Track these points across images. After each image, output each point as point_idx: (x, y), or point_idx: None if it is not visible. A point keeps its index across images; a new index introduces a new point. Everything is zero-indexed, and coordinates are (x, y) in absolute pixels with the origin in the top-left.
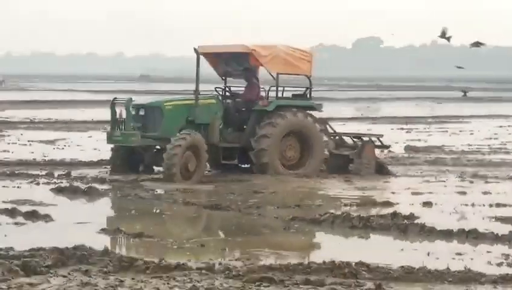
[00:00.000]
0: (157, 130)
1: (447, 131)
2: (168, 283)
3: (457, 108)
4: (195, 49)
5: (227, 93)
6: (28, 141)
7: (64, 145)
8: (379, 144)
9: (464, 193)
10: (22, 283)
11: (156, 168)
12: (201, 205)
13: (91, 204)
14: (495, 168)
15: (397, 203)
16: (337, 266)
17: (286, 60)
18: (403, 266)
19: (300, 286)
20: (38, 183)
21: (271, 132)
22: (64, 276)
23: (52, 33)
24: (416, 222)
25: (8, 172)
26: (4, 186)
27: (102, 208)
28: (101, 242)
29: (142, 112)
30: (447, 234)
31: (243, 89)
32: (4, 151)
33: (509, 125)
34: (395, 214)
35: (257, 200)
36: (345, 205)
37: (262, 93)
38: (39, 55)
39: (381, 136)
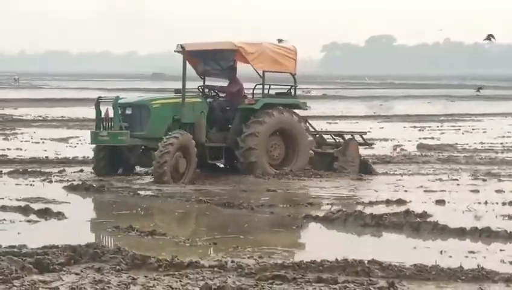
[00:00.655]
0: (144, 130)
1: (459, 129)
2: (180, 281)
3: (470, 106)
4: (181, 46)
5: (211, 92)
6: (41, 138)
7: (77, 143)
8: (364, 141)
9: (476, 191)
10: (35, 280)
11: (138, 169)
12: (213, 203)
13: (103, 202)
14: (508, 167)
15: (410, 201)
16: (349, 264)
17: (272, 58)
18: (415, 265)
19: (313, 284)
20: (51, 181)
21: (259, 130)
22: (77, 273)
23: (65, 32)
24: (428, 220)
25: (21, 170)
26: (17, 184)
27: (115, 206)
28: (113, 240)
29: (128, 111)
30: (460, 233)
31: (224, 87)
32: (17, 149)
33: None
34: (407, 212)
35: (269, 198)
36: (357, 203)
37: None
38: (52, 54)
39: (365, 133)
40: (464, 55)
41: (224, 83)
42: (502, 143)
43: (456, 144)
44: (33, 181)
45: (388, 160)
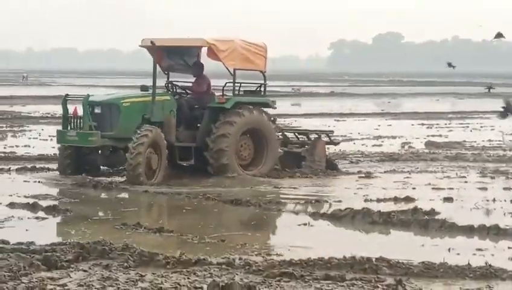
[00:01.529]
0: (113, 129)
1: (468, 126)
2: (188, 278)
3: (478, 104)
4: (152, 42)
5: (177, 89)
6: (49, 136)
7: None
8: (332, 140)
9: (484, 189)
10: (43, 277)
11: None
12: (221, 200)
13: (111, 199)
14: None
15: (418, 199)
16: (357, 262)
17: (243, 55)
18: (423, 262)
19: (321, 281)
20: (59, 178)
21: (229, 131)
22: (84, 270)
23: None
24: (436, 217)
25: (29, 167)
26: (25, 181)
27: (123, 203)
28: (121, 237)
29: (98, 110)
30: (468, 230)
31: (191, 84)
32: (25, 146)
33: None
34: (415, 210)
35: (276, 195)
36: (365, 200)
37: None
38: (61, 51)
39: (331, 132)
40: (471, 52)
41: (189, 78)
42: (510, 140)
43: (464, 141)
44: (41, 178)
45: (396, 157)
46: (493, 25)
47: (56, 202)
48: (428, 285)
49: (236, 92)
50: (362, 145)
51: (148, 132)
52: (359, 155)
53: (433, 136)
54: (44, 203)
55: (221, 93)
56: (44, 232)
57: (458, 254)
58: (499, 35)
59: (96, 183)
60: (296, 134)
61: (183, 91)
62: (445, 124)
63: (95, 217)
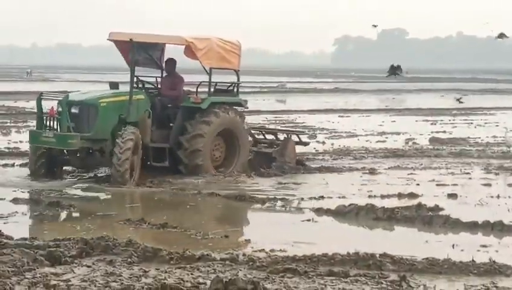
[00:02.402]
0: (91, 130)
1: (472, 123)
2: (191, 273)
3: (482, 100)
4: (130, 39)
5: (142, 84)
6: None
7: None
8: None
9: (489, 185)
10: (46, 272)
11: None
12: (225, 196)
13: (115, 194)
14: None
15: (422, 195)
16: (361, 258)
17: (219, 54)
18: (427, 258)
19: (324, 277)
20: (62, 174)
21: (206, 130)
22: (88, 266)
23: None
24: (440, 213)
25: None
26: (29, 176)
27: (127, 199)
28: (125, 232)
29: (75, 110)
30: (472, 226)
31: (159, 81)
32: None
33: None
34: (419, 206)
35: (281, 191)
36: (369, 196)
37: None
38: (65, 47)
39: (302, 132)
40: (475, 49)
41: (154, 73)
42: None
43: (469, 137)
44: (45, 173)
45: (400, 154)
46: (499, 21)
47: (60, 198)
48: (432, 281)
49: (212, 92)
50: (366, 141)
51: (132, 135)
52: (363, 151)
53: (437, 132)
54: (47, 198)
55: (195, 93)
56: (47, 227)
57: (462, 250)
58: (502, 35)
59: (100, 178)
60: (263, 133)
61: (154, 89)
62: (450, 120)
63: (98, 213)
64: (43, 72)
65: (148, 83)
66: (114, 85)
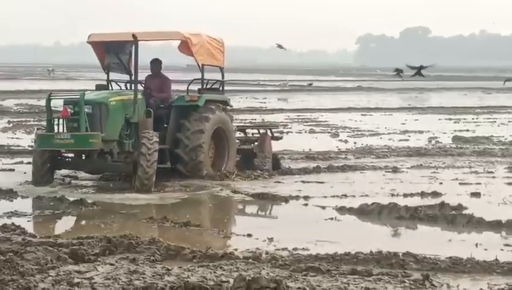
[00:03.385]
0: (103, 131)
1: (495, 121)
2: (214, 272)
3: (506, 99)
4: (133, 35)
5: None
6: None
7: None
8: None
9: None
10: (70, 270)
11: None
12: (247, 195)
13: (138, 193)
14: None
15: (445, 194)
16: (384, 257)
17: (208, 50)
18: (450, 257)
19: (347, 276)
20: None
21: (205, 126)
22: (111, 264)
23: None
24: (464, 212)
25: None
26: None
27: (149, 197)
28: (148, 231)
29: (88, 110)
30: (496, 225)
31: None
32: None
33: None
34: (442, 205)
35: (303, 189)
36: (392, 195)
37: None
38: (88, 45)
39: (276, 126)
40: (499, 48)
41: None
42: None
43: (492, 136)
44: (68, 172)
45: (423, 152)
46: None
47: (83, 196)
48: (455, 280)
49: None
50: (389, 140)
51: (157, 144)
52: (386, 150)
53: (460, 131)
54: (71, 196)
55: (186, 91)
56: (71, 225)
57: (486, 249)
58: None
59: (124, 177)
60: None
61: (148, 89)
62: (473, 118)
63: (122, 211)
64: (66, 71)
65: (141, 84)
66: (101, 87)
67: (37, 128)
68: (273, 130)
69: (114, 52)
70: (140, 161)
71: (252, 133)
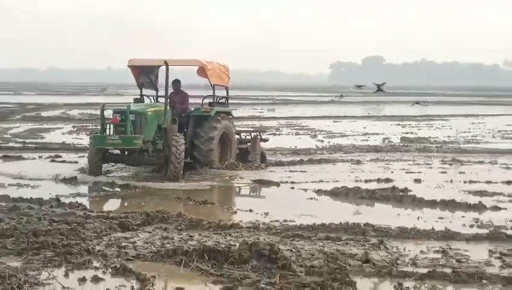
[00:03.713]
0: (142, 134)
1: (432, 126)
2: (225, 238)
3: (439, 109)
4: (165, 62)
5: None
6: None
7: None
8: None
9: (444, 173)
10: (119, 236)
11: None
12: (250, 180)
13: (169, 182)
14: (469, 154)
15: (395, 180)
16: (350, 227)
17: (218, 74)
18: (399, 227)
19: (323, 240)
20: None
21: (215, 134)
22: (149, 232)
23: (139, 51)
24: (409, 194)
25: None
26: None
27: (177, 184)
28: (176, 207)
29: (132, 117)
30: (432, 203)
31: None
32: None
33: (479, 122)
34: (393, 188)
35: (291, 176)
36: (356, 181)
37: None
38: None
39: (265, 131)
40: (435, 72)
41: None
42: (464, 137)
43: (430, 137)
44: (114, 165)
45: (379, 149)
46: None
47: (129, 181)
48: (402, 244)
49: (214, 103)
50: (354, 140)
51: (183, 140)
52: (351, 147)
53: (406, 133)
54: (120, 181)
55: (201, 104)
56: (119, 203)
57: (425, 221)
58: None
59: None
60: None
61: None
62: (415, 124)
63: (157, 193)
64: (116, 89)
65: (161, 97)
66: (138, 100)
67: (91, 133)
68: (262, 133)
69: (145, 73)
70: (171, 158)
71: (245, 136)
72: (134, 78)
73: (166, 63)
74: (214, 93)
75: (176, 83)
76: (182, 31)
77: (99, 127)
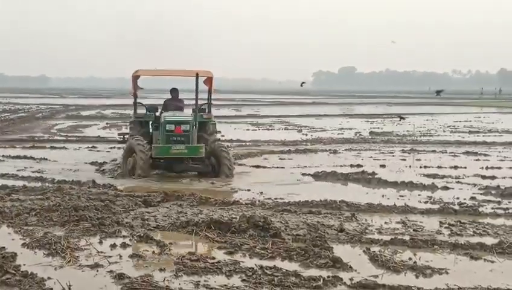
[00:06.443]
0: (191, 142)
1: (394, 122)
2: (228, 212)
3: (402, 108)
4: (197, 74)
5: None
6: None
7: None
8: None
9: (404, 160)
10: (142, 211)
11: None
12: (248, 166)
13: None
14: (424, 145)
15: (364, 166)
16: (328, 203)
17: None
18: (367, 203)
19: (306, 214)
20: None
21: (217, 137)
22: (167, 207)
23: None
24: (376, 176)
25: None
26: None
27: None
28: (189, 188)
29: (184, 127)
30: (394, 184)
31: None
32: None
33: (432, 119)
34: (363, 172)
35: (281, 162)
36: (333, 166)
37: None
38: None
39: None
40: (397, 78)
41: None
42: (420, 131)
43: (393, 131)
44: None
45: (352, 141)
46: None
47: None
48: (370, 217)
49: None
50: (332, 133)
51: (229, 149)
52: (330, 140)
53: (374, 128)
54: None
55: (196, 109)
56: (143, 184)
57: (388, 198)
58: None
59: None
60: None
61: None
62: (381, 121)
63: (175, 176)
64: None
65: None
66: (153, 108)
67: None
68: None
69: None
70: (227, 164)
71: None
72: (132, 86)
73: (197, 75)
74: (210, 100)
75: (174, 91)
76: (197, 47)
77: (126, 124)
